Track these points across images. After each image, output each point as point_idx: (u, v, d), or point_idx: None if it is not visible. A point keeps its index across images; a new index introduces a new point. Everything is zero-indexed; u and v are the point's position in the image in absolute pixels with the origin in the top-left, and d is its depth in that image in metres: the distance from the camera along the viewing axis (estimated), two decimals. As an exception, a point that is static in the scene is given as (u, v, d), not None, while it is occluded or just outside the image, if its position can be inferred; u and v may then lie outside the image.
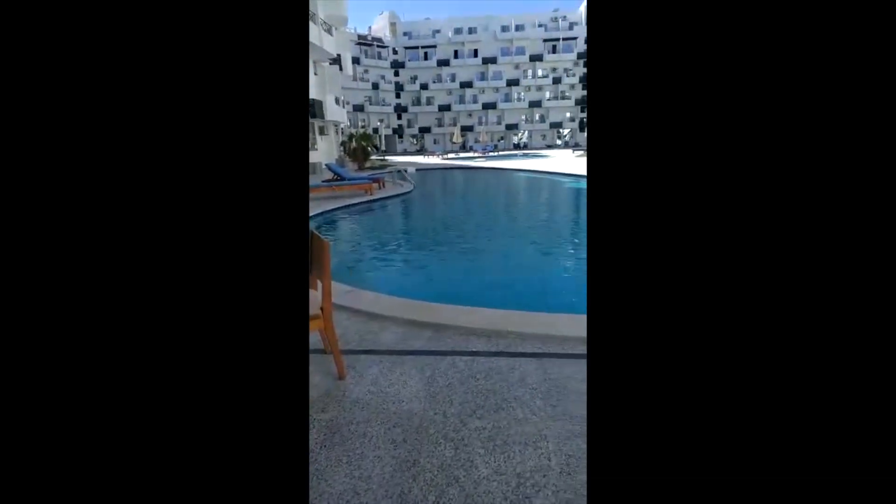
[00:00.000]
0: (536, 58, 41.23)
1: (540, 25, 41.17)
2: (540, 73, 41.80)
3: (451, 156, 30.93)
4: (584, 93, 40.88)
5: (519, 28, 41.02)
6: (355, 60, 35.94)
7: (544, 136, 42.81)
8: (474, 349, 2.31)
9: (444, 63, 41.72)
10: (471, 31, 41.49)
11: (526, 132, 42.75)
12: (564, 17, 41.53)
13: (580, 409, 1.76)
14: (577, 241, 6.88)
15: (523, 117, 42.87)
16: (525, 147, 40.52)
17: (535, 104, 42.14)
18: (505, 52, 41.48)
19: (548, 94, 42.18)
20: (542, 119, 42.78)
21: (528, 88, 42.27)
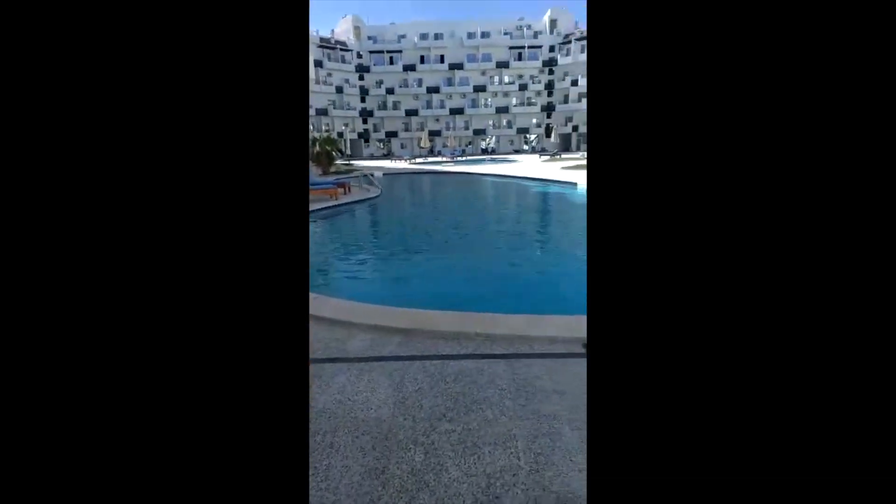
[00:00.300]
0: (503, 64, 42.09)
1: (506, 33, 42.09)
2: (506, 79, 42.69)
3: (419, 160, 30.94)
4: (550, 99, 42.13)
5: (485, 35, 41.75)
6: (318, 63, 35.29)
7: (512, 142, 43.70)
8: (444, 353, 2.31)
9: (410, 68, 41.80)
10: (437, 36, 41.83)
11: (493, 137, 43.46)
12: (529, 25, 42.68)
13: (548, 407, 1.79)
14: (543, 243, 7.04)
15: (491, 123, 43.59)
16: (493, 152, 41.18)
17: (503, 110, 42.96)
18: (471, 59, 42.08)
19: (514, 101, 43.13)
20: (510, 125, 43.68)
21: (495, 94, 43.03)
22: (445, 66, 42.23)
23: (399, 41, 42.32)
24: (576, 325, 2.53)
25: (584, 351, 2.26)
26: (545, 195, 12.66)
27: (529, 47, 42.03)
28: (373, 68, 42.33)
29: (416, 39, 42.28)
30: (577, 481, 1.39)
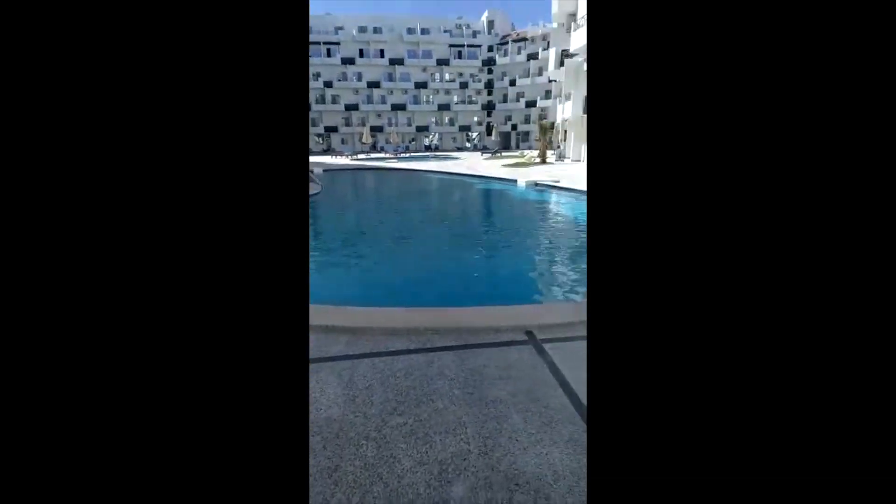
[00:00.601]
0: (443, 62, 42.36)
1: (445, 31, 42.38)
2: (447, 76, 43.05)
3: (361, 156, 30.23)
4: (490, 98, 43.17)
5: (425, 31, 41.70)
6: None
7: (454, 139, 44.23)
8: (393, 349, 2.33)
9: (348, 61, 40.59)
10: (376, 30, 41.03)
11: (436, 134, 43.68)
12: (468, 25, 43.35)
13: (494, 393, 1.89)
14: (488, 238, 7.26)
15: (433, 120, 43.75)
16: (436, 149, 41.37)
17: (444, 107, 43.30)
18: (412, 55, 41.85)
19: (456, 98, 43.65)
20: (452, 122, 44.16)
21: (437, 91, 43.23)
22: (386, 60, 41.55)
23: (336, 33, 40.85)
24: (518, 314, 2.68)
25: (525, 338, 2.40)
26: (489, 192, 13.02)
27: (469, 46, 42.69)
28: (309, 60, 40.48)
29: (354, 32, 41.09)
30: (522, 459, 1.49)
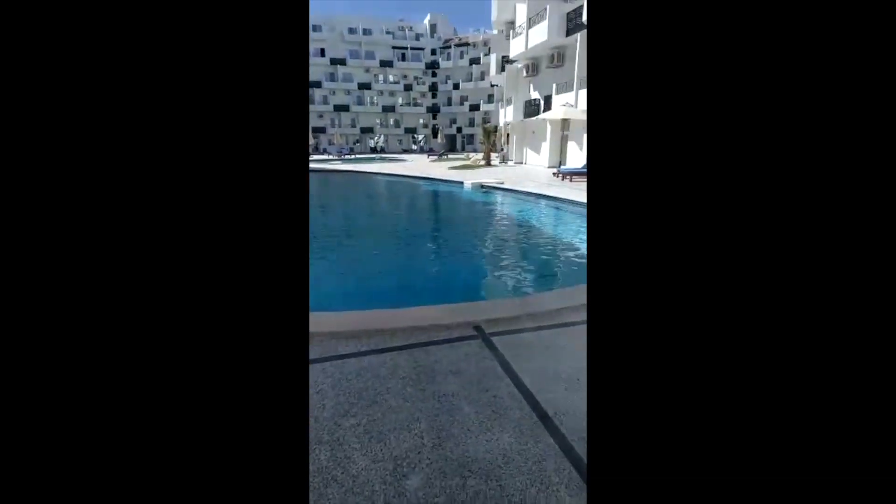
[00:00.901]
0: (387, 63, 42.02)
1: (388, 32, 42.07)
2: (391, 78, 42.75)
3: (304, 158, 29.07)
4: (435, 101, 43.50)
5: (367, 32, 41.09)
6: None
7: (400, 141, 44.02)
8: (344, 352, 2.30)
9: (288, 59, 38.96)
10: (315, 28, 39.73)
11: (381, 136, 43.22)
12: (411, 27, 43.40)
13: (446, 387, 1.95)
14: (437, 238, 7.35)
15: (378, 121, 43.22)
16: (382, 151, 40.95)
17: (389, 109, 42.95)
18: (354, 55, 41.05)
19: (401, 100, 43.48)
20: (397, 124, 43.92)
21: (381, 93, 42.79)
22: (327, 59, 40.39)
23: (273, 29, 38.89)
24: (467, 311, 2.77)
25: (475, 333, 2.48)
26: (437, 193, 13.15)
27: (412, 48, 42.76)
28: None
29: (292, 29, 39.33)
30: (474, 447, 1.56)
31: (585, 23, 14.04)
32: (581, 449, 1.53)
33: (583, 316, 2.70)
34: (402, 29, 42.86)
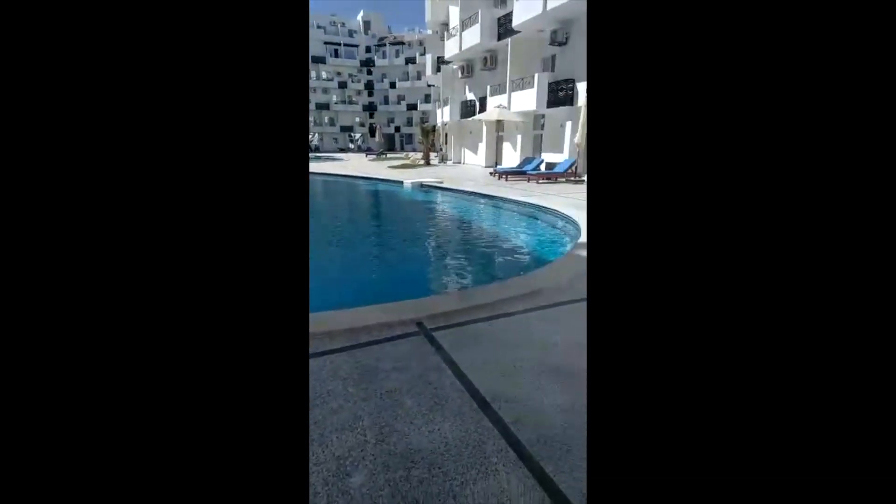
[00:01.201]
0: (319, 59, 40.48)
1: (319, 27, 40.53)
2: (325, 75, 41.27)
3: (231, 158, 27.04)
4: (371, 99, 42.73)
5: (296, 25, 39.26)
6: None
7: (336, 140, 42.66)
8: (281, 357, 2.22)
9: (208, 50, 36.02)
10: (239, 18, 37.20)
11: (316, 134, 41.57)
12: (343, 23, 42.18)
13: (388, 384, 1.96)
14: (378, 237, 7.26)
15: (312, 119, 41.51)
16: (317, 149, 39.38)
17: (323, 107, 41.46)
18: (283, 49, 39.05)
19: (335, 98, 42.14)
20: (332, 122, 42.52)
21: (314, 90, 41.16)
22: (253, 53, 37.86)
23: (188, 16, 35.76)
24: (409, 308, 2.79)
25: (417, 329, 2.52)
26: (377, 193, 12.96)
27: (346, 45, 41.64)
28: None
29: (211, 18, 36.47)
30: (417, 438, 1.59)
31: (515, 29, 14.68)
32: (517, 429, 1.63)
33: (521, 305, 2.85)
34: (335, 24, 41.58)
